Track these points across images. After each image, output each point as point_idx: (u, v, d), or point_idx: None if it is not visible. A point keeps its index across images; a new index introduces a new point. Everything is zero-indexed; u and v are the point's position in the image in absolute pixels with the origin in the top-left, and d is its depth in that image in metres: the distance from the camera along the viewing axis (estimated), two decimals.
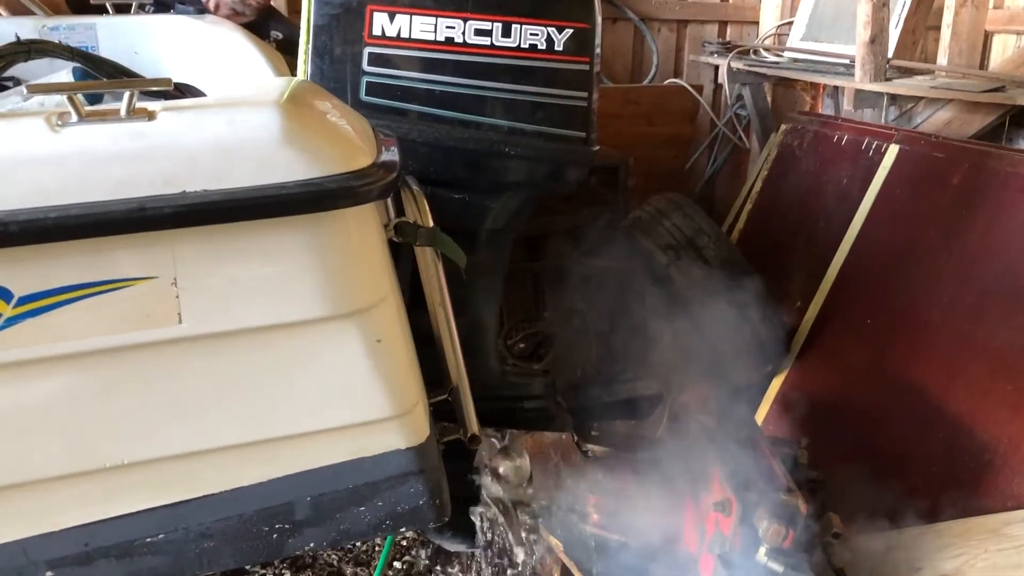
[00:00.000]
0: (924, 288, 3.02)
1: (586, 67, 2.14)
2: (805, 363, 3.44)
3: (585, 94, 2.15)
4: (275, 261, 1.36)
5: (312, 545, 1.68)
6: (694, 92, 4.21)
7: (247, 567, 3.00)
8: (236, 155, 1.29)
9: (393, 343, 1.54)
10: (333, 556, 3.04)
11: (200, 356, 1.39)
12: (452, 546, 2.64)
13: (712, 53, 4.55)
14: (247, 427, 1.49)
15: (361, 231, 1.44)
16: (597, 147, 2.27)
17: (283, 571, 3.00)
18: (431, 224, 1.82)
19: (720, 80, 4.45)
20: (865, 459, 2.76)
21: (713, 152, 4.64)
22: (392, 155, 1.50)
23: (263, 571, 2.99)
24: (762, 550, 2.35)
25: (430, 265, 1.69)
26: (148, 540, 1.54)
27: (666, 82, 4.45)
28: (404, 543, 3.06)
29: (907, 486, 2.65)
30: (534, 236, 3.66)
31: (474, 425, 1.82)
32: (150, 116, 1.30)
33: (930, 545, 2.42)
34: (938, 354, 2.88)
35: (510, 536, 2.66)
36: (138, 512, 1.51)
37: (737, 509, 2.40)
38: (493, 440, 2.62)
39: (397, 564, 2.97)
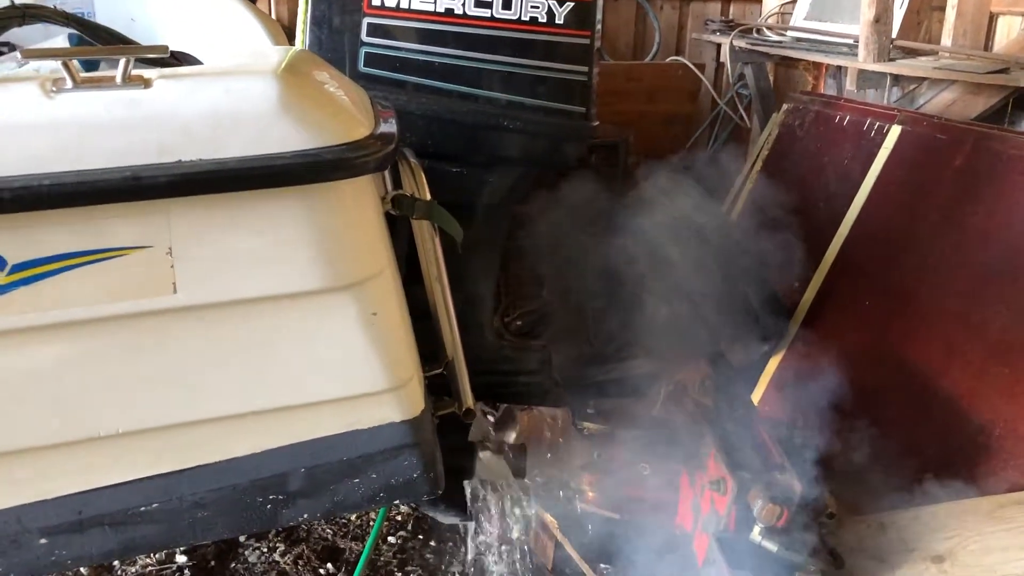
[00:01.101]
0: (924, 270, 3.01)
1: (587, 41, 2.13)
2: (802, 343, 3.42)
3: (585, 68, 2.14)
4: (271, 232, 1.35)
5: (306, 516, 1.68)
6: (696, 70, 4.18)
7: (241, 540, 3.01)
8: (232, 125, 1.28)
9: (389, 316, 1.53)
10: (328, 530, 3.05)
11: (195, 326, 1.38)
12: (445, 519, 2.64)
13: (715, 31, 4.52)
14: (242, 398, 1.48)
15: (358, 203, 1.43)
16: (597, 123, 2.26)
17: (277, 544, 3.01)
18: (428, 197, 1.81)
19: (722, 59, 4.42)
20: (861, 440, 2.76)
21: (714, 131, 4.61)
22: (390, 127, 1.49)
23: (257, 544, 3.00)
24: (757, 529, 2.35)
25: (427, 239, 1.68)
26: (142, 509, 1.54)
27: (668, 60, 4.42)
28: (399, 518, 3.06)
29: (902, 468, 2.65)
30: (533, 213, 3.64)
31: (469, 399, 1.81)
32: (146, 84, 1.28)
33: (924, 527, 2.43)
34: (936, 336, 2.88)
35: (503, 511, 2.67)
36: (132, 481, 1.51)
37: (732, 488, 2.41)
38: (489, 417, 2.63)
39: (392, 539, 2.98)
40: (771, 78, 4.48)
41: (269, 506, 1.63)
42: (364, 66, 2.05)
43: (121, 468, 1.49)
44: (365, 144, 1.37)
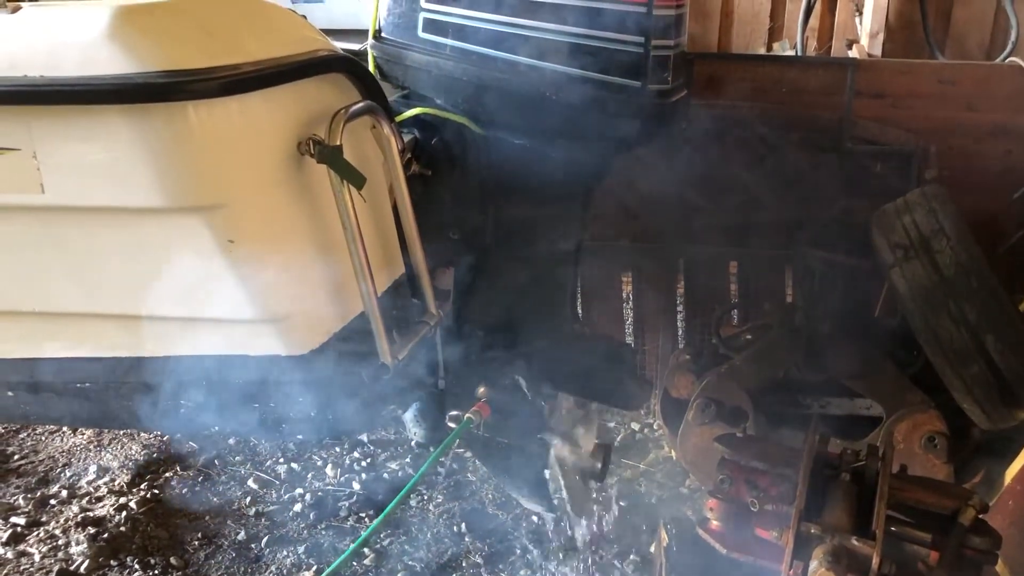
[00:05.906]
0: None
1: (643, 10, 1.97)
2: None
3: (640, 39, 1.98)
4: (115, 148, 1.50)
5: (217, 428, 1.83)
6: None
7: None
8: (66, 49, 1.47)
9: (252, 247, 1.60)
10: (488, 496, 3.13)
11: (68, 226, 1.60)
12: (529, 504, 2.59)
13: None
14: (127, 300, 1.67)
15: (210, 130, 1.52)
16: (675, 98, 2.07)
17: (436, 496, 3.16)
18: (395, 156, 1.85)
19: None
20: None
21: None
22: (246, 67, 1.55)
23: (424, 492, 3.17)
24: None
25: (333, 186, 1.70)
26: (78, 386, 1.82)
27: (1003, 60, 3.65)
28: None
29: None
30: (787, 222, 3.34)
31: (386, 355, 1.80)
32: (14, 10, 1.53)
33: None
34: None
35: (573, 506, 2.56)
36: (64, 359, 1.79)
37: (791, 540, 2.09)
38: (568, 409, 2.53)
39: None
40: None
41: (182, 411, 1.81)
42: (423, 32, 2.11)
43: (52, 345, 1.78)
44: (192, 73, 1.46)
